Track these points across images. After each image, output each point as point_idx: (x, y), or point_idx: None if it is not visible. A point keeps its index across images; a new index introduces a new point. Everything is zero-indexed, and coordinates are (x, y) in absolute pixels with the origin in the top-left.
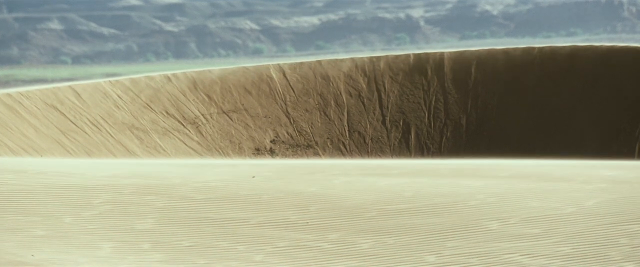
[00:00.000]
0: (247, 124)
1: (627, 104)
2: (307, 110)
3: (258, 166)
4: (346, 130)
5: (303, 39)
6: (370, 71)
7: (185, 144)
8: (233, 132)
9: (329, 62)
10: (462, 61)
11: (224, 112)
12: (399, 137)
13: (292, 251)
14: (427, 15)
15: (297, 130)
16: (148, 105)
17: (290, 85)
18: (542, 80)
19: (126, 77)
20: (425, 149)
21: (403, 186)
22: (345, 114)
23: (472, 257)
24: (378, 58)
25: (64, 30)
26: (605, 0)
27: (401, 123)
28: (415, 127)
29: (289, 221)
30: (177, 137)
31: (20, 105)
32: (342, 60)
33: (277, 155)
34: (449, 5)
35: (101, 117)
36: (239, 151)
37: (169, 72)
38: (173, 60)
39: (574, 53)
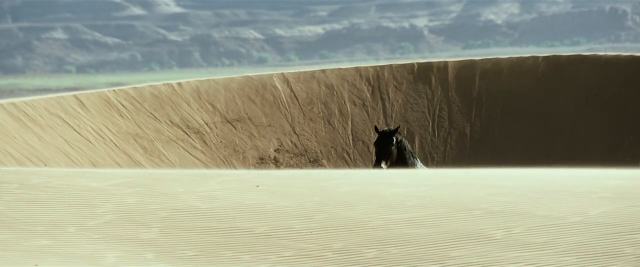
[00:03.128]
0: (251, 133)
1: (631, 112)
2: (311, 120)
3: (262, 175)
4: (350, 140)
5: (307, 48)
6: (375, 80)
7: (190, 153)
8: (237, 141)
9: (333, 71)
10: (466, 70)
11: (228, 121)
12: None
13: (296, 261)
14: (431, 24)
15: (301, 140)
16: (152, 114)
17: (294, 95)
18: (546, 89)
19: (130, 87)
20: (429, 158)
21: (407, 196)
22: (350, 123)
23: None
24: (382, 67)
25: (68, 39)
26: (609, 9)
27: (405, 132)
28: (419, 136)
29: (293, 231)
30: (181, 146)
31: (24, 115)
32: (346, 69)
33: (281, 164)
34: (453, 15)
35: (105, 127)
36: (243, 160)
37: (173, 82)
38: (177, 70)
39: (578, 62)
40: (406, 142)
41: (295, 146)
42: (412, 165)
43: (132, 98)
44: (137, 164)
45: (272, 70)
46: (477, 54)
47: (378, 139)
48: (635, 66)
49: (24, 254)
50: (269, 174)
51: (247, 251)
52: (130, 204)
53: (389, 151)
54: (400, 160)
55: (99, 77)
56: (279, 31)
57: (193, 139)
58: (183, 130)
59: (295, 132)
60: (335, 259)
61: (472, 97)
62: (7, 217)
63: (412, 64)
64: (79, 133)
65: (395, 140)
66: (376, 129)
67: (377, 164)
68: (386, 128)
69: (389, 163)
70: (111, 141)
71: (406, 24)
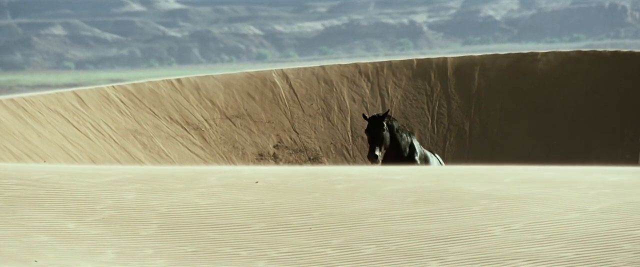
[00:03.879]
0: (251, 130)
1: (631, 109)
2: (310, 116)
3: (261, 172)
4: (349, 136)
5: (306, 45)
6: (374, 76)
7: (189, 149)
8: (236, 137)
9: (333, 67)
10: (465, 66)
11: (227, 117)
12: None
13: (295, 257)
14: (431, 20)
15: (301, 136)
16: (151, 110)
17: (293, 91)
18: (545, 85)
19: (129, 83)
20: None
21: (406, 192)
22: (349, 119)
23: (476, 263)
24: (381, 63)
25: (67, 35)
26: (608, 5)
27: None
28: (418, 133)
29: (292, 227)
30: (180, 142)
31: (23, 111)
32: (345, 65)
33: (281, 160)
34: (452, 11)
35: (104, 123)
36: (242, 157)
37: (172, 78)
38: (176, 66)
39: (578, 58)
40: (396, 123)
41: (295, 142)
42: (407, 144)
43: (131, 94)
44: (136, 161)
45: (271, 67)
46: (476, 50)
47: (368, 126)
48: (635, 62)
49: (24, 250)
50: (268, 170)
51: (245, 247)
52: (129, 200)
53: (382, 137)
54: (393, 143)
55: (98, 74)
56: (278, 27)
57: (192, 136)
58: (182, 127)
59: (294, 129)
60: (334, 255)
61: (472, 93)
62: (6, 214)
63: (411, 60)
64: (78, 129)
65: (386, 124)
66: (364, 116)
67: (371, 153)
68: (375, 114)
69: (383, 149)
70: (110, 137)
71: (405, 20)
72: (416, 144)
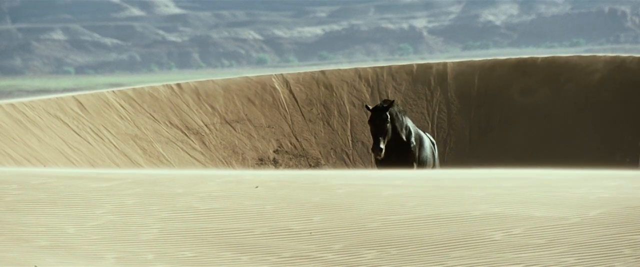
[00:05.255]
0: (251, 134)
1: (631, 113)
2: (310, 121)
3: (261, 176)
4: (349, 141)
5: (306, 50)
6: (374, 81)
7: (189, 154)
8: (236, 142)
9: (333, 72)
10: (465, 71)
11: (227, 122)
12: None
13: (296, 262)
14: (430, 25)
15: (301, 141)
16: (151, 115)
17: (293, 96)
18: (545, 90)
19: (129, 88)
20: None
21: (406, 196)
22: (349, 124)
23: None
24: (381, 68)
25: (67, 40)
26: (608, 10)
27: None
28: None
29: (292, 232)
30: (180, 147)
31: (23, 116)
32: (345, 70)
33: (281, 165)
34: (452, 16)
35: (104, 128)
36: (242, 161)
37: (172, 83)
38: (176, 71)
39: (577, 63)
40: (396, 111)
41: (295, 147)
42: (408, 134)
43: (131, 99)
44: (136, 165)
45: (271, 71)
46: (476, 55)
47: (372, 117)
48: (634, 67)
49: (24, 255)
50: (268, 174)
51: (246, 252)
52: (129, 205)
53: (385, 129)
54: (395, 136)
55: (98, 78)
56: (278, 32)
57: (192, 140)
58: (182, 132)
59: (294, 134)
60: (335, 260)
61: (471, 98)
62: (6, 218)
63: (411, 65)
64: (78, 134)
65: (390, 115)
66: (367, 107)
67: (375, 145)
68: (378, 104)
69: (386, 141)
70: (110, 141)
71: (405, 25)
72: (411, 125)
